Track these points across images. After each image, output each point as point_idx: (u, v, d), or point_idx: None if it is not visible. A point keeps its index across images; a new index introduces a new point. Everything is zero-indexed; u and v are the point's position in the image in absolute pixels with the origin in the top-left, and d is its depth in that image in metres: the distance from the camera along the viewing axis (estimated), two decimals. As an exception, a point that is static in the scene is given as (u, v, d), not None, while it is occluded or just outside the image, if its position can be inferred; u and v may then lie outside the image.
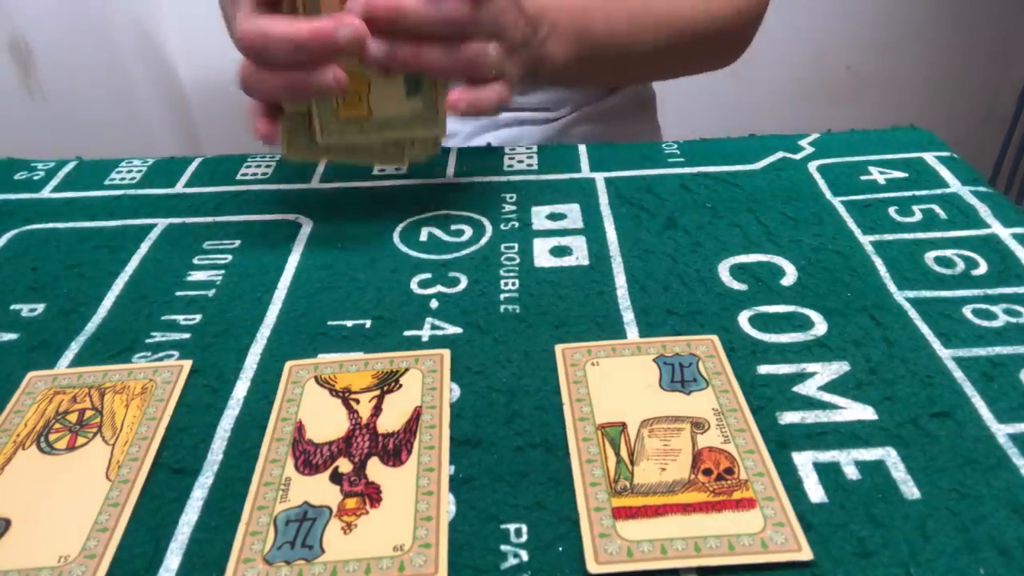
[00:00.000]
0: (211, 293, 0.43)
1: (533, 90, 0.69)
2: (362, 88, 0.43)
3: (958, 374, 0.35)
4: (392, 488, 0.31)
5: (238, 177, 0.54)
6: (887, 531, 0.29)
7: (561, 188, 0.52)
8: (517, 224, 0.48)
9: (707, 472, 0.31)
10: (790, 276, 0.42)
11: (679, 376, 0.35)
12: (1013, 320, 0.39)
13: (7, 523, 0.30)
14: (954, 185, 0.50)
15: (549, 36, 0.52)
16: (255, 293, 0.43)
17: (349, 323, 0.40)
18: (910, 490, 0.30)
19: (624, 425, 0.33)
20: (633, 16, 0.57)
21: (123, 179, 0.55)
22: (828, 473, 0.31)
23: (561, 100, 0.70)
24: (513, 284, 0.43)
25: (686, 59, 0.62)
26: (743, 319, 0.39)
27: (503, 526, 0.30)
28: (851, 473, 0.31)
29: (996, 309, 0.39)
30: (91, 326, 0.41)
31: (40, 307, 0.42)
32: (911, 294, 0.41)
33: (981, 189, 0.50)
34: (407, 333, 0.39)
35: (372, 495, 0.30)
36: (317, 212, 0.50)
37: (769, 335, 0.38)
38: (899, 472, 0.31)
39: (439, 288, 0.43)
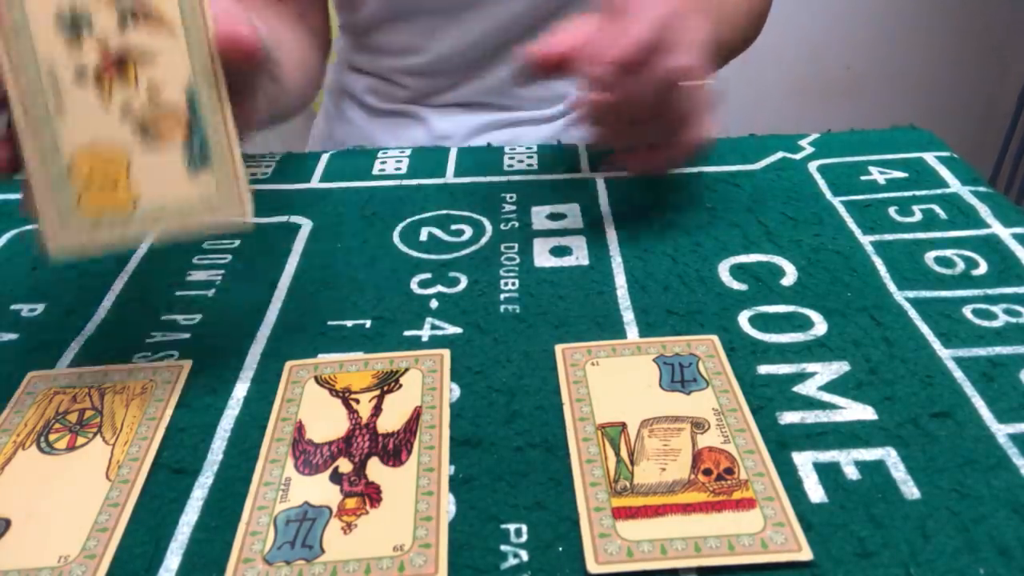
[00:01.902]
0: (211, 293, 0.43)
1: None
2: (117, 167, 0.32)
3: (958, 374, 0.35)
4: (392, 488, 0.31)
5: (238, 177, 0.54)
6: (887, 531, 0.29)
7: (561, 188, 0.52)
8: (517, 224, 0.48)
9: (707, 472, 0.31)
10: (790, 276, 0.42)
11: (679, 376, 0.35)
12: (1013, 320, 0.39)
13: (7, 523, 0.30)
14: (954, 185, 0.50)
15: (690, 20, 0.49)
16: (255, 293, 0.43)
17: (349, 323, 0.40)
18: (910, 490, 0.30)
19: (624, 425, 0.33)
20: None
21: (123, 179, 0.55)
22: (828, 473, 0.31)
23: (557, 96, 0.70)
24: (513, 284, 0.43)
25: (758, 24, 0.66)
26: (743, 319, 0.39)
27: (503, 526, 0.30)
28: (851, 473, 0.31)
29: (996, 309, 0.39)
30: (91, 326, 0.41)
31: (40, 307, 0.42)
32: (911, 294, 0.41)
33: (981, 189, 0.50)
34: (407, 333, 0.39)
35: (372, 495, 0.30)
36: (317, 212, 0.50)
37: (769, 335, 0.38)
38: (899, 472, 0.31)
39: (439, 288, 0.43)
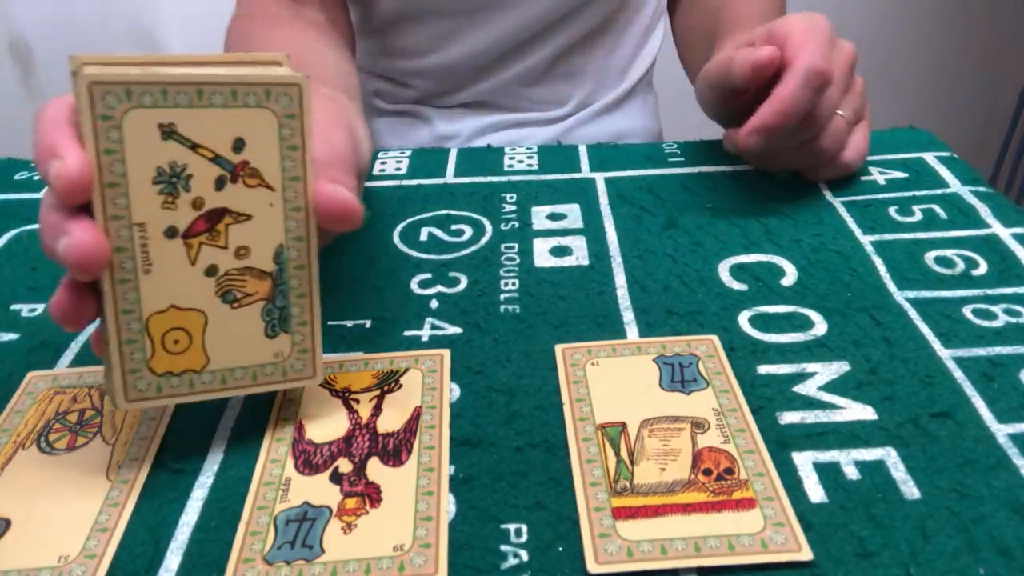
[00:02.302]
0: (211, 293, 0.43)
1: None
2: (193, 329, 0.31)
3: (958, 374, 0.35)
4: (392, 488, 0.31)
5: (238, 177, 0.54)
6: (887, 531, 0.29)
7: (561, 188, 0.52)
8: (517, 224, 0.48)
9: (707, 472, 0.31)
10: (790, 276, 0.42)
11: (679, 376, 0.35)
12: (1013, 320, 0.39)
13: (7, 523, 0.30)
14: (954, 185, 0.50)
15: None
16: (255, 293, 0.43)
17: (349, 323, 0.40)
18: (910, 490, 0.30)
19: (624, 425, 0.33)
20: None
21: (123, 179, 0.55)
22: (828, 473, 0.31)
23: (563, 99, 0.70)
24: (513, 284, 0.43)
25: None
26: (743, 319, 0.39)
27: (503, 526, 0.30)
28: (851, 473, 0.31)
29: (996, 309, 0.39)
30: (91, 326, 0.41)
31: (40, 307, 0.42)
32: (911, 294, 0.41)
33: (981, 189, 0.50)
34: (407, 333, 0.39)
35: (372, 495, 0.30)
36: (317, 212, 0.50)
37: (769, 335, 0.38)
38: (899, 472, 0.31)
39: (439, 288, 0.43)
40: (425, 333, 0.39)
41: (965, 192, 0.49)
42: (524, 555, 0.28)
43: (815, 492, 0.30)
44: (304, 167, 0.31)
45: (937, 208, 0.48)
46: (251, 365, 0.32)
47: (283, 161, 0.31)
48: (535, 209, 0.49)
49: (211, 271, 0.30)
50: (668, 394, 0.35)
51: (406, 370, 0.36)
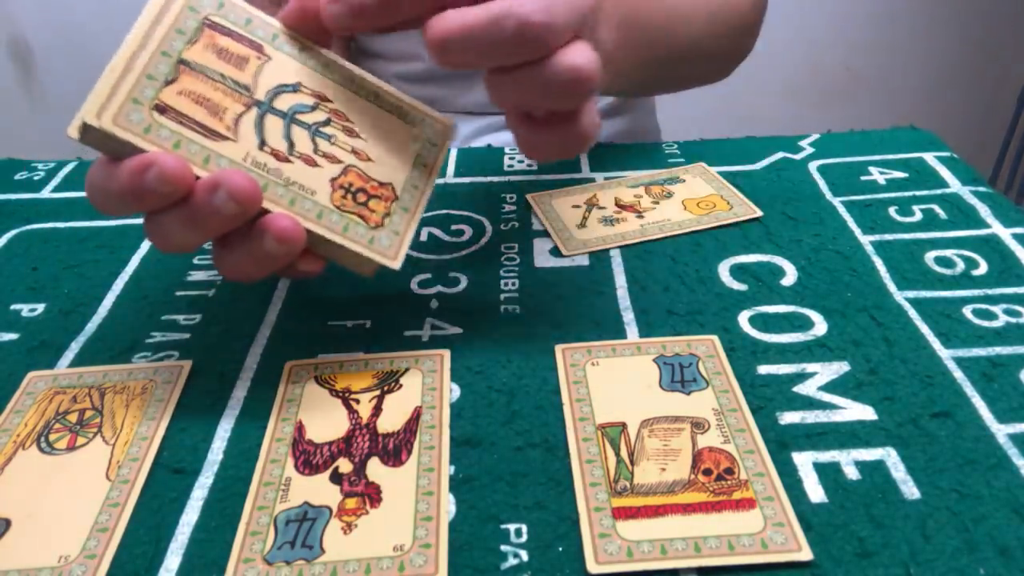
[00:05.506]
0: (211, 293, 0.43)
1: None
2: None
3: (958, 374, 0.35)
4: (392, 488, 0.31)
5: (238, 177, 0.54)
6: (887, 531, 0.29)
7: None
8: (517, 224, 0.48)
9: (707, 472, 0.31)
10: (790, 276, 0.42)
11: (679, 376, 0.35)
12: (1013, 320, 0.39)
13: (7, 523, 0.30)
14: (954, 185, 0.50)
15: (598, 20, 0.37)
16: (255, 293, 0.43)
17: (349, 323, 0.40)
18: (910, 490, 0.30)
19: (624, 425, 0.33)
20: (669, 6, 0.50)
21: (123, 179, 0.55)
22: (828, 473, 0.31)
23: None
24: (513, 284, 0.43)
25: (704, 60, 0.57)
26: (743, 319, 0.39)
27: (503, 526, 0.30)
28: (851, 473, 0.31)
29: (996, 309, 0.39)
30: (91, 326, 0.41)
31: (40, 307, 0.42)
32: (911, 294, 0.41)
33: (981, 189, 0.50)
34: (407, 333, 0.39)
35: (372, 495, 0.30)
36: (317, 212, 0.50)
37: (769, 335, 0.38)
38: (899, 472, 0.31)
39: (439, 288, 0.43)
40: (425, 333, 0.39)
41: (965, 192, 0.49)
42: (524, 555, 0.28)
43: (815, 492, 0.30)
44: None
45: (937, 208, 0.48)
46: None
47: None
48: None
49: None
50: (668, 394, 0.35)
51: (406, 370, 0.36)
